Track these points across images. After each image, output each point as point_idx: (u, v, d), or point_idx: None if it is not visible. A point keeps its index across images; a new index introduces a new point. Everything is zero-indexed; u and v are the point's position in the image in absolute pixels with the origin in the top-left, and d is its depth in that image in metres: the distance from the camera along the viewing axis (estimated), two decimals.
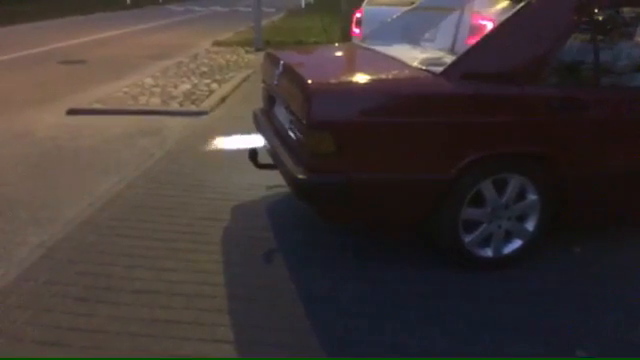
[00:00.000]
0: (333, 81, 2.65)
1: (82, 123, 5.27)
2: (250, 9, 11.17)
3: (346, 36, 8.66)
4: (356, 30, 7.30)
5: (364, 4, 7.48)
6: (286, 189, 3.02)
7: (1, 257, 2.78)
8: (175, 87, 6.67)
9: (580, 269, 2.77)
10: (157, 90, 6.50)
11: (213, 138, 4.79)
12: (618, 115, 2.70)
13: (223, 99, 6.22)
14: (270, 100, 3.39)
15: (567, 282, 2.65)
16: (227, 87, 6.75)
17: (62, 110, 5.62)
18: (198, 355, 2.10)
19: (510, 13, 2.61)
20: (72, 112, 5.60)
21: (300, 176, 2.48)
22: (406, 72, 2.72)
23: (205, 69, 7.93)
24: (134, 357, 2.10)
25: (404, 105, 2.51)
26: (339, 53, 3.80)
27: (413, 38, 3.59)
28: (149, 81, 7.00)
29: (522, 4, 2.61)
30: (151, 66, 8.22)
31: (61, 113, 5.56)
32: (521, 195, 2.65)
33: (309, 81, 2.50)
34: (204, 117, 5.52)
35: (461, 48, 2.91)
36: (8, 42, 10.67)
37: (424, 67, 2.68)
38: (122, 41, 11.32)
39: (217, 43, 10.73)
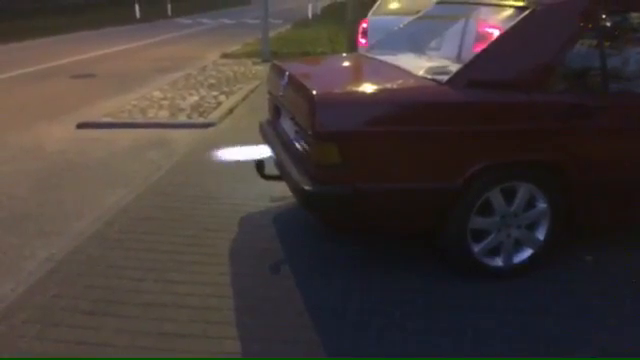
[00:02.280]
0: (338, 92, 2.65)
1: (91, 136, 5.33)
2: (257, 21, 11.27)
3: (352, 46, 8.69)
4: (362, 40, 7.32)
5: (370, 14, 7.51)
6: (293, 200, 3.02)
7: (10, 271, 2.80)
8: (183, 99, 6.72)
9: (592, 278, 2.73)
10: (165, 103, 6.55)
11: (220, 150, 4.80)
12: (627, 121, 2.66)
13: (230, 111, 6.25)
14: (276, 111, 3.40)
15: (578, 292, 2.61)
16: (234, 99, 6.79)
17: (72, 124, 5.69)
18: None
19: (516, 20, 2.60)
20: (82, 126, 5.66)
21: (306, 187, 2.48)
22: (411, 81, 2.71)
23: (213, 81, 7.98)
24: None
25: (409, 115, 2.50)
26: (344, 63, 3.81)
27: (419, 47, 3.58)
28: (157, 94, 7.06)
29: (528, 11, 2.61)
30: (160, 79, 8.30)
31: (71, 127, 5.63)
32: (530, 203, 2.63)
33: (314, 92, 2.50)
34: (211, 129, 5.55)
35: (467, 56, 2.89)
36: (20, 57, 10.84)
37: (429, 76, 2.67)
38: (131, 55, 11.45)
39: (225, 55, 10.81)
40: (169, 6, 23.40)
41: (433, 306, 2.48)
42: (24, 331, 2.29)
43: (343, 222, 2.61)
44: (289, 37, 13.65)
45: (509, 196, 2.58)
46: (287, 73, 2.98)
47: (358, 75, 3.41)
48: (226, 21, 20.83)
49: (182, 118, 5.91)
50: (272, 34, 12.26)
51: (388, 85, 2.71)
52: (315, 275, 2.75)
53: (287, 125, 3.08)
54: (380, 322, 2.36)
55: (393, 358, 2.14)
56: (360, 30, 7.50)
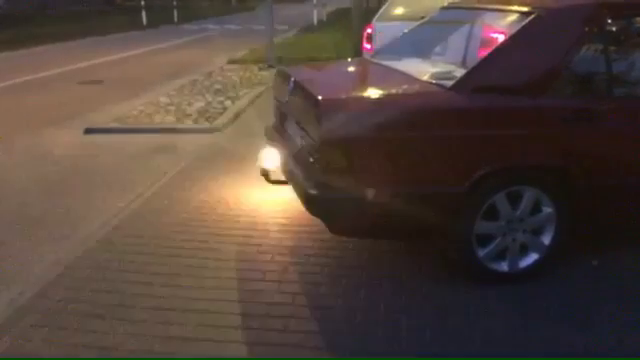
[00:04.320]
0: (344, 97, 2.67)
1: (99, 142, 5.37)
2: (263, 27, 11.34)
3: (357, 52, 8.72)
4: (367, 46, 7.34)
5: (374, 20, 7.54)
6: (299, 204, 3.03)
7: (19, 275, 2.83)
8: (189, 105, 6.76)
9: (597, 283, 2.72)
10: (172, 108, 6.59)
11: (226, 155, 4.83)
12: (632, 125, 2.66)
13: (236, 116, 6.29)
14: (282, 116, 3.42)
15: (584, 296, 2.60)
16: (240, 104, 6.82)
17: (80, 129, 5.73)
18: None
19: (521, 25, 2.61)
20: (89, 131, 5.70)
21: (312, 192, 2.49)
22: (416, 87, 2.72)
23: (219, 87, 8.02)
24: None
25: (414, 120, 2.51)
26: (349, 69, 3.83)
27: (424, 52, 3.60)
28: (164, 99, 7.10)
29: (533, 16, 2.62)
30: (166, 85, 8.34)
31: (79, 132, 5.67)
32: (536, 208, 2.63)
33: (320, 97, 2.51)
34: (218, 134, 5.58)
35: (472, 61, 2.91)
36: (28, 64, 10.94)
37: (434, 81, 2.68)
38: (138, 61, 11.53)
39: (231, 61, 10.85)
40: (175, 12, 23.55)
41: (441, 311, 2.48)
42: (32, 335, 2.31)
43: (349, 226, 2.62)
44: (295, 43, 13.70)
45: (515, 201, 2.58)
46: (293, 78, 3.00)
47: (363, 80, 3.42)
48: (232, 27, 20.93)
49: (188, 123, 5.94)
50: (278, 40, 12.31)
51: (393, 90, 2.72)
52: (322, 280, 2.75)
53: (293, 130, 3.10)
54: (388, 328, 2.36)
55: (394, 358, 2.15)
56: (365, 35, 7.52)
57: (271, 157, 3.26)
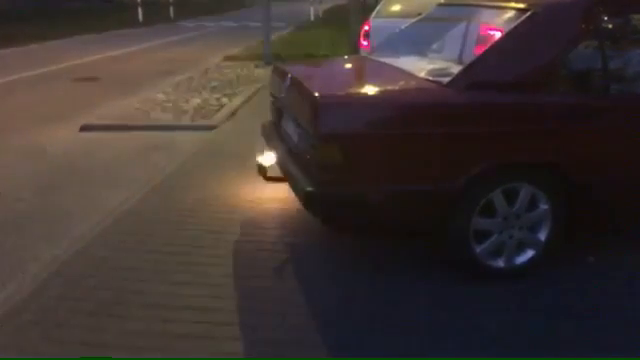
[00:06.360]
0: (340, 93, 2.67)
1: (95, 139, 5.35)
2: (260, 24, 11.31)
3: (354, 49, 8.71)
4: (364, 42, 7.35)
5: (372, 17, 7.54)
6: (296, 201, 3.03)
7: (15, 273, 2.82)
8: (186, 102, 6.74)
9: (595, 280, 2.73)
10: (168, 105, 6.57)
11: (223, 152, 4.83)
12: (628, 122, 2.67)
13: (233, 113, 6.27)
14: (278, 113, 3.42)
15: (582, 293, 2.61)
16: (237, 101, 6.81)
17: (75, 126, 5.70)
18: None
19: (517, 22, 2.61)
20: (85, 128, 5.68)
21: (308, 188, 2.49)
22: (413, 83, 2.73)
23: (215, 84, 8.00)
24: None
25: (411, 116, 2.51)
26: (346, 66, 3.83)
27: (421, 49, 3.60)
28: (161, 96, 7.08)
29: (529, 13, 2.62)
30: (163, 82, 8.31)
31: (74, 129, 5.65)
32: (532, 204, 2.63)
33: (316, 94, 2.51)
34: (214, 131, 5.57)
35: (469, 58, 2.91)
36: (24, 61, 10.88)
37: (431, 78, 2.69)
38: (134, 58, 11.49)
39: (227, 58, 10.84)
40: (171, 9, 23.48)
41: (436, 307, 2.49)
42: (28, 332, 2.30)
43: (345, 223, 2.62)
44: (291, 40, 13.68)
45: (511, 197, 2.59)
46: (289, 75, 2.99)
47: (360, 77, 3.42)
48: (228, 24, 20.88)
49: (185, 120, 5.93)
50: (274, 37, 12.28)
51: (390, 87, 2.72)
52: (318, 277, 2.75)
53: (289, 127, 3.09)
54: (385, 325, 2.36)
55: (393, 358, 2.15)
56: (362, 32, 7.52)
57: (268, 154, 3.26)
